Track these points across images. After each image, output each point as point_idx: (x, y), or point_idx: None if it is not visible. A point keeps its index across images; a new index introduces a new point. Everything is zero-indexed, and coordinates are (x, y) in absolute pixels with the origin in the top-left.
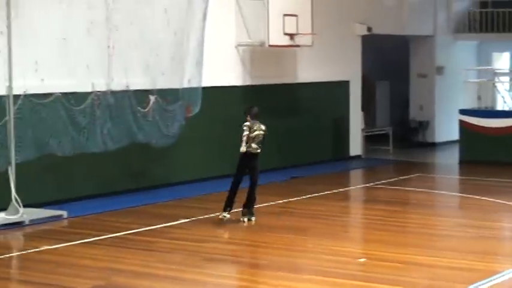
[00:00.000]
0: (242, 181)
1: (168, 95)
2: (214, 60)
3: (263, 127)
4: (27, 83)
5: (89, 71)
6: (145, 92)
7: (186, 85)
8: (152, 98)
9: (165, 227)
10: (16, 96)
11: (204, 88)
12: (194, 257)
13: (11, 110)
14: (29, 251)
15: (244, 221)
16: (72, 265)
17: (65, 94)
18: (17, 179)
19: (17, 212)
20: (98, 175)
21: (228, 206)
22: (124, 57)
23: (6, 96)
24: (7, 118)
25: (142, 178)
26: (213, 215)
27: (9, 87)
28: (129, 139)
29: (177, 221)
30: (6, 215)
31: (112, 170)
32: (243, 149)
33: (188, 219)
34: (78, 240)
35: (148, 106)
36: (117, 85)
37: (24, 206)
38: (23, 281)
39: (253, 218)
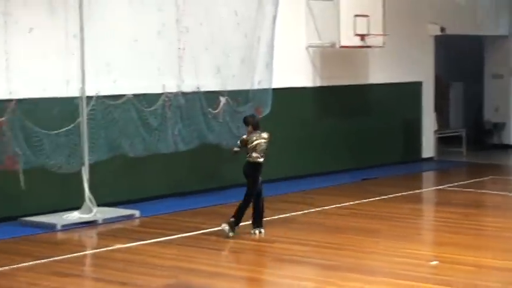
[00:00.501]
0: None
1: (238, 97)
2: (285, 61)
3: (265, 135)
4: (99, 85)
5: (159, 73)
6: (216, 94)
7: (256, 86)
8: (223, 100)
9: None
10: (89, 98)
11: (274, 89)
12: (264, 257)
13: (84, 111)
14: (102, 249)
15: (255, 234)
16: (143, 264)
17: (136, 95)
18: (90, 179)
19: (91, 211)
20: (169, 175)
21: (239, 222)
22: (195, 59)
23: (80, 98)
24: (80, 119)
25: (212, 179)
26: (282, 216)
27: (82, 89)
28: (199, 140)
29: (248, 221)
30: (80, 213)
31: (183, 171)
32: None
33: None
34: (149, 239)
35: (219, 107)
36: (188, 87)
37: (98, 205)
38: (96, 278)
39: (262, 230)
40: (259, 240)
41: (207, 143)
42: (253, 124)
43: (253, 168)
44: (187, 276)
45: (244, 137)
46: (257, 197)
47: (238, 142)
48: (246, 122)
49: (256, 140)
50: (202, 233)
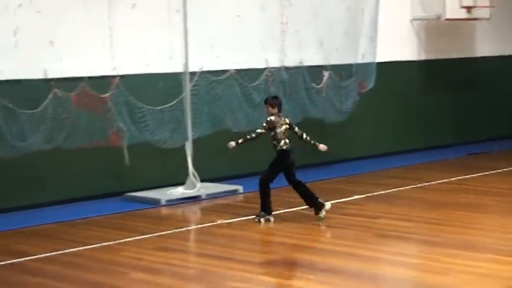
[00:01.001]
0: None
1: (341, 71)
2: (389, 35)
3: (287, 120)
4: (202, 60)
5: (262, 48)
6: (319, 68)
7: (360, 60)
8: (326, 74)
9: (338, 202)
10: (192, 73)
11: (378, 63)
12: (367, 233)
13: (188, 86)
14: (206, 224)
15: (323, 215)
16: (247, 239)
17: (239, 71)
18: (194, 155)
19: (194, 186)
20: (272, 151)
21: (270, 209)
22: (297, 33)
23: (183, 73)
24: (183, 95)
25: (315, 154)
26: (386, 191)
27: (186, 65)
28: (302, 115)
29: (351, 196)
30: (184, 189)
31: None
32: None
33: (362, 195)
34: (252, 215)
35: (322, 82)
36: (291, 61)
37: (201, 180)
38: (199, 253)
39: (327, 205)
40: (363, 216)
41: (310, 117)
42: (278, 106)
43: (284, 157)
44: (290, 252)
45: (273, 118)
46: (298, 185)
47: (265, 124)
48: (270, 103)
49: (283, 124)
50: (305, 208)
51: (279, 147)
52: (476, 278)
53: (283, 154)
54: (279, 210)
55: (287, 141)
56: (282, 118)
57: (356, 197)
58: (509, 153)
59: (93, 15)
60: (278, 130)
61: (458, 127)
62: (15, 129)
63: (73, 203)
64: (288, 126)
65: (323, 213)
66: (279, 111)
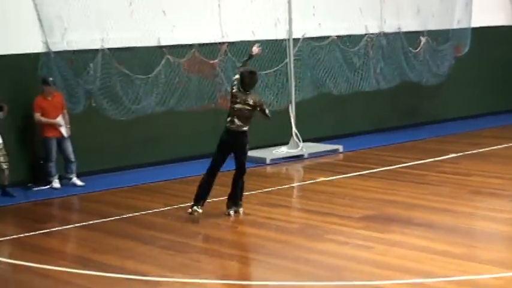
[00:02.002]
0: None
1: (438, 36)
2: (483, 1)
3: (251, 101)
4: (305, 27)
5: (362, 15)
6: (416, 34)
7: (455, 26)
8: (423, 39)
9: (434, 161)
10: (295, 40)
11: (473, 28)
12: (462, 190)
13: (291, 52)
14: (307, 182)
15: (230, 215)
16: (345, 196)
17: (340, 37)
18: (297, 116)
19: (297, 146)
20: (370, 112)
21: (201, 199)
22: (395, 0)
23: (287, 40)
24: (287, 60)
25: (412, 115)
26: (480, 150)
27: (289, 31)
28: (400, 78)
29: (446, 155)
30: (287, 149)
31: (384, 108)
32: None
33: (457, 154)
34: (351, 173)
35: (419, 47)
36: (389, 27)
37: (303, 140)
38: (301, 208)
39: (241, 210)
40: (458, 174)
41: (407, 80)
42: (246, 84)
43: (222, 134)
44: (387, 208)
45: (234, 90)
46: (237, 175)
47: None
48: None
49: (240, 102)
50: (402, 166)
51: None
52: None
53: (223, 131)
54: (378, 168)
55: (232, 119)
56: (249, 97)
57: (452, 155)
58: None
59: None
60: (233, 105)
61: None
62: (130, 94)
63: (184, 162)
64: (249, 108)
65: (232, 212)
66: (245, 89)
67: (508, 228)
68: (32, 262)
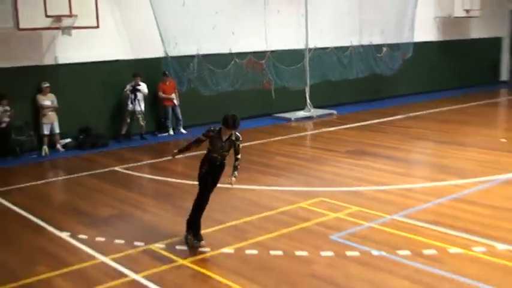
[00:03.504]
0: None
1: (393, 46)
2: (421, 25)
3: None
4: (315, 41)
5: (348, 34)
6: (380, 45)
7: (404, 41)
8: (384, 49)
9: (391, 119)
10: (310, 49)
11: (414, 42)
12: (406, 136)
13: (307, 56)
14: (316, 131)
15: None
16: (339, 139)
17: (336, 47)
18: (310, 93)
19: (309, 110)
20: (353, 91)
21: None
22: (369, 25)
23: (305, 50)
24: (305, 61)
25: (378, 93)
26: (419, 113)
27: (306, 44)
28: (370, 71)
29: (395, 116)
30: (304, 112)
31: (361, 88)
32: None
33: (404, 115)
34: (341, 126)
35: (382, 53)
36: (364, 41)
37: (313, 107)
38: (312, 146)
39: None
40: (404, 127)
41: (375, 72)
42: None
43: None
44: (362, 146)
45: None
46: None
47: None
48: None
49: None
50: (371, 122)
51: None
52: None
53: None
54: (357, 123)
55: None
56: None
57: (398, 116)
58: None
59: (257, 17)
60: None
61: (454, 75)
62: (213, 80)
63: (243, 120)
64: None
65: (194, 242)
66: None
67: (432, 158)
68: (158, 176)
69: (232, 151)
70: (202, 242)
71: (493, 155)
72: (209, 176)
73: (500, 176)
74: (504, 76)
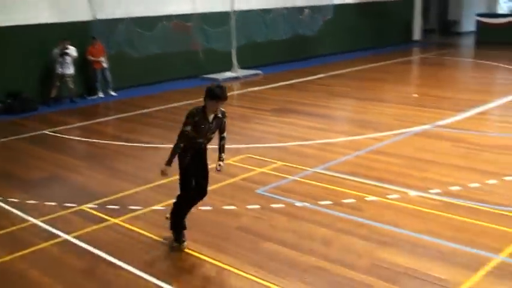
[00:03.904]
0: None
1: (314, 9)
2: None
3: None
4: (240, 5)
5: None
6: (302, 8)
7: (324, 3)
8: (306, 11)
9: (312, 79)
10: (235, 12)
11: (334, 4)
12: (325, 93)
13: (233, 18)
14: (243, 91)
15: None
16: (264, 98)
17: (262, 10)
18: (236, 54)
19: (236, 71)
20: (277, 51)
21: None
22: None
23: (231, 11)
24: (231, 23)
25: (300, 53)
26: (340, 72)
27: (232, 7)
28: (293, 32)
29: (318, 75)
30: (231, 73)
31: (285, 49)
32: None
33: (324, 74)
34: (267, 85)
35: (304, 15)
36: (290, 4)
37: (240, 68)
38: (239, 105)
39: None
40: (322, 84)
41: (298, 33)
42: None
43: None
44: (286, 104)
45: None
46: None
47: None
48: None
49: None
50: (294, 82)
51: None
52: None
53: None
54: (280, 83)
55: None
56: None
57: (321, 75)
58: (399, 51)
59: None
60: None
61: (371, 35)
62: (142, 42)
63: (171, 81)
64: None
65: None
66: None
67: (352, 114)
68: (89, 138)
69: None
70: (185, 244)
71: (406, 109)
72: (193, 166)
73: (412, 128)
74: (417, 36)
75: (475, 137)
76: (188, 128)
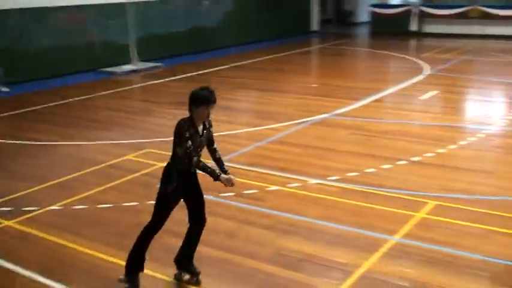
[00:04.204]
0: None
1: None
2: None
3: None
4: None
5: None
6: None
7: None
8: (206, 2)
9: (213, 70)
10: (133, 3)
11: None
12: (229, 85)
13: (131, 10)
14: (141, 84)
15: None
16: (163, 91)
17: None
18: (136, 46)
19: (136, 64)
20: (177, 44)
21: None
22: None
23: (127, 3)
24: (129, 14)
25: (200, 45)
26: (244, 63)
27: None
28: (193, 24)
29: (222, 66)
30: (130, 66)
31: (184, 41)
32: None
33: (229, 65)
34: (167, 78)
35: (204, 5)
36: None
37: (140, 60)
38: (140, 99)
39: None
40: (228, 77)
41: (196, 25)
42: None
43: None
44: (186, 98)
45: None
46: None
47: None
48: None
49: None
50: (196, 74)
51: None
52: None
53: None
54: (181, 75)
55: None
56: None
57: (222, 67)
58: (299, 41)
59: None
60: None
61: (271, 26)
62: (33, 35)
63: (68, 76)
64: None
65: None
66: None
67: (253, 105)
68: None
69: None
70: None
71: (305, 99)
72: (182, 192)
73: (312, 117)
74: (315, 26)
75: (371, 124)
76: (190, 144)
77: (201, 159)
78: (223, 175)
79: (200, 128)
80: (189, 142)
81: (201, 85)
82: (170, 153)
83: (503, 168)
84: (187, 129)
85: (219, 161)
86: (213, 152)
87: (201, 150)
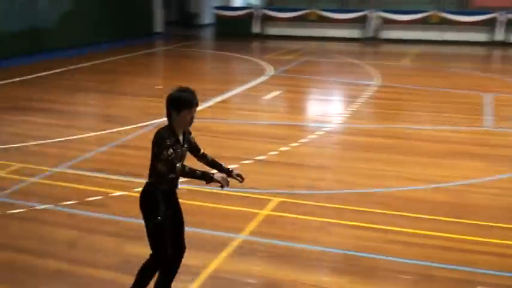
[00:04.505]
0: None
1: None
2: None
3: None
4: None
5: None
6: None
7: None
8: None
9: (65, 70)
10: None
11: None
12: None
13: None
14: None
15: None
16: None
17: None
18: None
19: None
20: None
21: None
22: None
23: None
24: None
25: (36, 44)
26: (95, 62)
27: None
28: (29, 25)
29: (105, 60)
30: None
31: (24, 44)
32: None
33: (75, 66)
34: (4, 80)
35: None
36: None
37: None
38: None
39: None
40: (115, 73)
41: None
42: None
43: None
44: (24, 102)
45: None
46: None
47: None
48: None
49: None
50: (56, 72)
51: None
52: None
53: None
54: (34, 75)
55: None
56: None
57: (62, 69)
58: (145, 43)
59: None
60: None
61: (115, 27)
62: None
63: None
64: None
65: None
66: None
67: (96, 109)
68: None
69: None
70: None
71: (150, 101)
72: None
73: (156, 120)
74: (159, 28)
75: (217, 125)
76: (171, 151)
77: (184, 166)
78: (217, 174)
79: (181, 137)
80: (171, 150)
81: (39, 88)
82: (6, 162)
83: (341, 163)
84: (167, 137)
85: (215, 164)
86: (203, 158)
87: (183, 161)
